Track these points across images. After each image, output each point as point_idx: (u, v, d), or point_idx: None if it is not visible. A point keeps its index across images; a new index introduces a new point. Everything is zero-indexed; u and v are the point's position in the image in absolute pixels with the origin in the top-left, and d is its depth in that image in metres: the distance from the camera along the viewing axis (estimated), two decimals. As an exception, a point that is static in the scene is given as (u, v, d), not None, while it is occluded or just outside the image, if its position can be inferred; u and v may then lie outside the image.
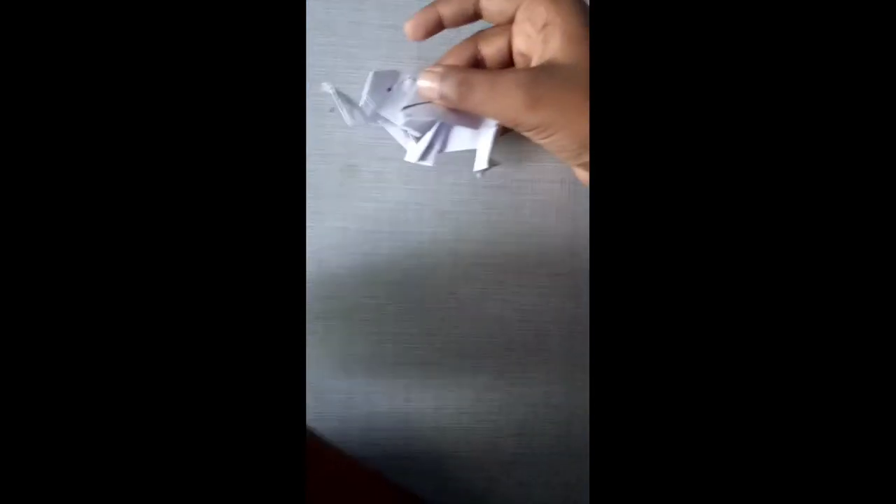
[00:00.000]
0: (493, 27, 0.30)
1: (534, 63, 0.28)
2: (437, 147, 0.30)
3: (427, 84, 0.28)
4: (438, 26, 0.30)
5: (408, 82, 0.30)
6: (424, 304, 0.34)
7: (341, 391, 0.34)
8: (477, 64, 0.31)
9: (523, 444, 0.34)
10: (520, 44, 0.30)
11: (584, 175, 0.31)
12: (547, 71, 0.27)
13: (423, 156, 0.30)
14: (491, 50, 0.30)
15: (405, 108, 0.29)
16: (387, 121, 0.30)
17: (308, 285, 0.34)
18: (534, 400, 0.34)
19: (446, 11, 0.29)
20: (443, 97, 0.28)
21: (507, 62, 0.31)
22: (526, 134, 0.28)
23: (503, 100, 0.27)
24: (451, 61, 0.30)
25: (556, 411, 0.34)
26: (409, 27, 0.29)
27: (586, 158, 0.29)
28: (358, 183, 0.34)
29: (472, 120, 0.29)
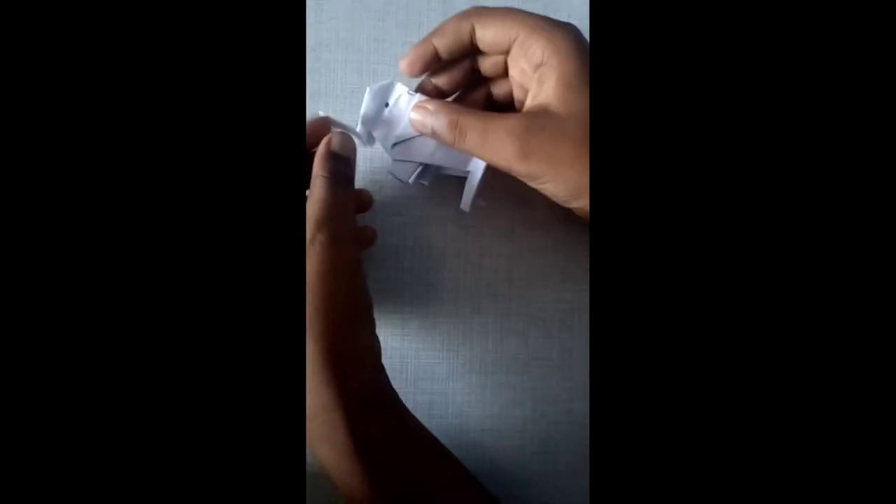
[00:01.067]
0: None
1: (528, 102, 0.28)
2: (432, 168, 0.31)
3: (419, 119, 0.29)
4: (435, 60, 0.29)
5: (404, 97, 0.30)
6: (448, 319, 0.34)
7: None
8: (474, 76, 0.31)
9: (547, 462, 0.33)
10: (515, 74, 0.29)
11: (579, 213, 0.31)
12: (539, 121, 0.27)
13: (420, 176, 0.31)
14: (488, 64, 0.30)
15: (395, 145, 0.30)
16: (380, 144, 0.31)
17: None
18: (557, 417, 0.34)
19: (441, 44, 0.28)
20: (434, 134, 0.28)
21: (504, 74, 0.30)
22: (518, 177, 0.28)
23: (495, 148, 0.27)
24: (448, 74, 0.30)
25: (581, 429, 0.34)
26: (404, 64, 0.29)
27: (576, 205, 0.29)
28: (381, 198, 0.34)
29: (462, 157, 0.30)
